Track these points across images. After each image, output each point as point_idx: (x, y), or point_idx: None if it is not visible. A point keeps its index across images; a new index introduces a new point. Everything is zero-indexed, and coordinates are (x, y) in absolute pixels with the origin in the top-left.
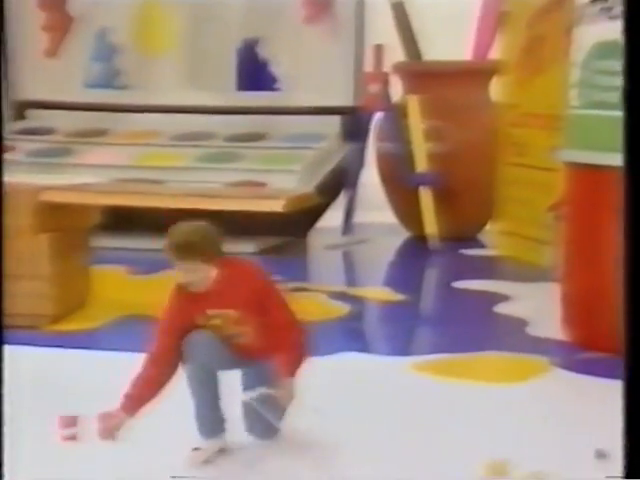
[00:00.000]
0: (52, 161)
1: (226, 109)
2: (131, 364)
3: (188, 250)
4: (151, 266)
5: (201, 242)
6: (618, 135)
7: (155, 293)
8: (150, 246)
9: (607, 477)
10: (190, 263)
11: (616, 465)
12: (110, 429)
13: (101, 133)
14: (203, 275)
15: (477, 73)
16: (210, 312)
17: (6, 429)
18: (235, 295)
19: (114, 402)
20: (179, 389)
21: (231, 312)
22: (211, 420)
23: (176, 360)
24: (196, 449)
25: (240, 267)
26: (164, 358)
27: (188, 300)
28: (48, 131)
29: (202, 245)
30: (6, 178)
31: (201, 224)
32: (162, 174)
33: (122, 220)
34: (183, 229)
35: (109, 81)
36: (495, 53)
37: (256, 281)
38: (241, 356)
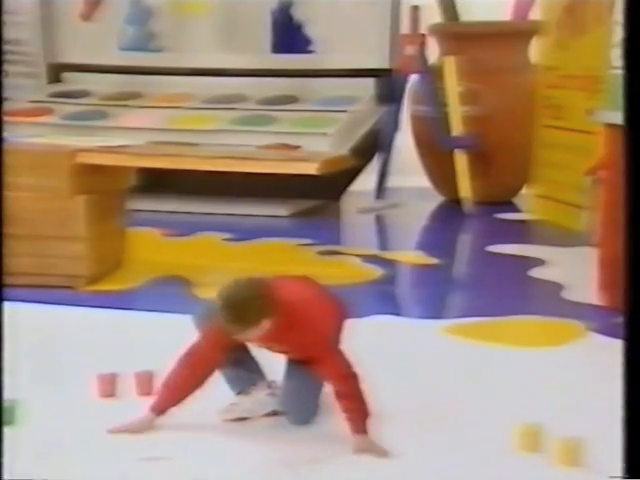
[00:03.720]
0: (88, 124)
1: (260, 72)
2: (165, 324)
3: (241, 323)
4: (185, 228)
5: (253, 311)
6: None
7: (189, 255)
8: (184, 209)
9: (609, 477)
10: (244, 331)
11: None
12: (139, 431)
13: (136, 96)
14: (258, 333)
15: (516, 34)
16: (258, 344)
17: (40, 389)
18: (289, 342)
19: (149, 361)
20: None
21: (279, 347)
22: (236, 378)
23: (213, 367)
24: (233, 404)
25: (304, 319)
26: (202, 362)
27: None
28: (84, 94)
29: (254, 314)
30: (43, 140)
31: (247, 284)
32: (196, 137)
33: (157, 183)
34: (233, 298)
35: (144, 44)
36: (535, 13)
37: (316, 338)
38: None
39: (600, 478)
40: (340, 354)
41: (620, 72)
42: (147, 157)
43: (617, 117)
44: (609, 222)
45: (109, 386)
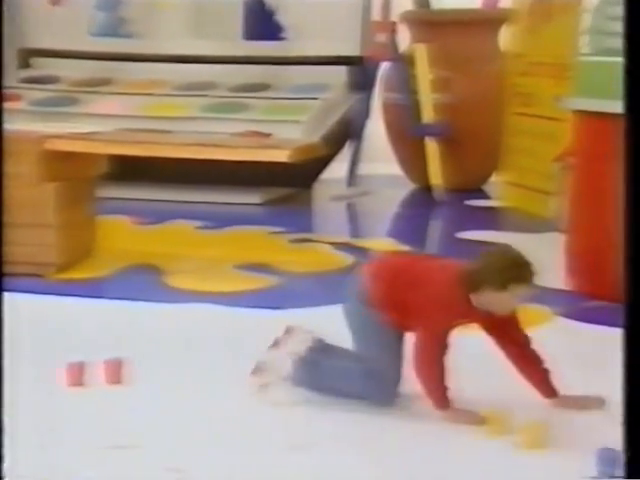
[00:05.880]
0: (57, 110)
1: (232, 59)
2: (136, 312)
3: (529, 273)
4: (157, 216)
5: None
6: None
7: (161, 243)
8: (156, 196)
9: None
10: (524, 288)
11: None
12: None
13: (106, 82)
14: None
15: (486, 22)
16: (461, 321)
17: (7, 378)
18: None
19: (119, 350)
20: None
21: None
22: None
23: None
24: (261, 363)
25: None
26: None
27: (464, 306)
28: (53, 80)
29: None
30: (11, 126)
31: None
32: (167, 124)
33: (128, 170)
34: (514, 250)
35: (114, 30)
36: (505, 1)
37: None
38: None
39: (562, 460)
40: None
41: (588, 59)
42: (118, 144)
43: (584, 104)
44: (577, 208)
45: (77, 375)
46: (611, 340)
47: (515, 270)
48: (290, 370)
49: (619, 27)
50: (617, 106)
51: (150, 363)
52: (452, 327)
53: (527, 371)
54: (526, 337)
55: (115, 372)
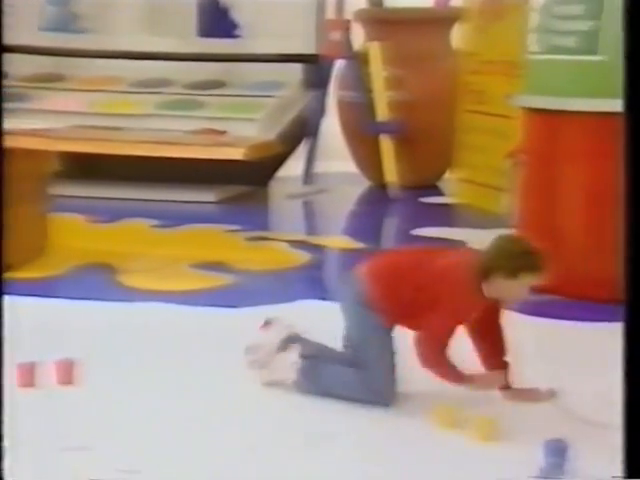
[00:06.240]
0: (7, 106)
1: (186, 56)
2: (88, 312)
3: (539, 263)
4: (111, 215)
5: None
6: (576, 80)
7: (116, 242)
8: (110, 194)
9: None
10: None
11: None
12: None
13: (58, 78)
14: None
15: (438, 20)
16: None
17: None
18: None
19: (72, 350)
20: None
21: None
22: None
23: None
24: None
25: None
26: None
27: (480, 297)
28: (2, 75)
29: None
30: None
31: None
32: (121, 121)
33: (81, 168)
34: (525, 239)
35: (65, 25)
36: (456, 0)
37: None
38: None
39: (514, 451)
40: None
41: (536, 57)
42: (70, 141)
43: (533, 101)
44: (528, 203)
45: (28, 375)
46: (562, 333)
47: (526, 258)
48: (294, 376)
49: (565, 26)
50: (564, 103)
51: (104, 363)
52: (465, 320)
53: (489, 360)
54: (501, 327)
55: (66, 372)
